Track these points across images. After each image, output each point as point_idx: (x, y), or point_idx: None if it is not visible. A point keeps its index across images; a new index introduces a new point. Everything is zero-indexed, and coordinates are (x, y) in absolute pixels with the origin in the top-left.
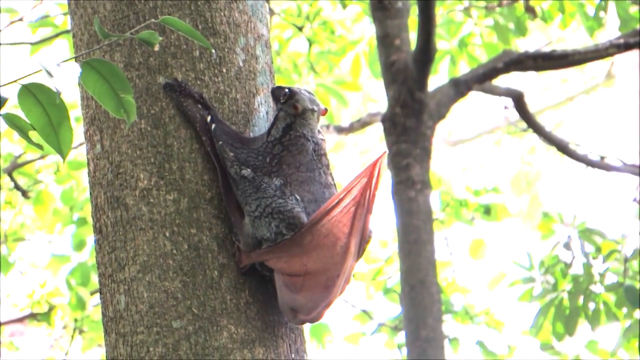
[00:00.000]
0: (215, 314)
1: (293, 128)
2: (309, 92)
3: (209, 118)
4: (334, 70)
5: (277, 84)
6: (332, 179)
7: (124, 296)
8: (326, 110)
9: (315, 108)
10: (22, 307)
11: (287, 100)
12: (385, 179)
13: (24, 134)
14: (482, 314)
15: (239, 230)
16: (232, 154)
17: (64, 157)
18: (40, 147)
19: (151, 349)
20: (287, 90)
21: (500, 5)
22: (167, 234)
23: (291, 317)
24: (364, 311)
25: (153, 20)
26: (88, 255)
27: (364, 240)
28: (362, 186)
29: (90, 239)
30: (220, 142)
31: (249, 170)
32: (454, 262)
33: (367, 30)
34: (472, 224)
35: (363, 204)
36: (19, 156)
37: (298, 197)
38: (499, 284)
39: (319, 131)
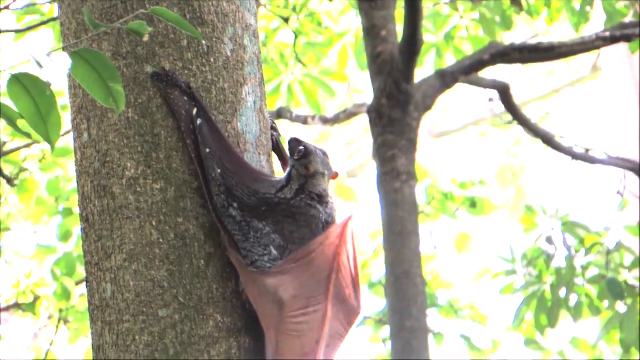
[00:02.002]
0: (202, 303)
1: (305, 190)
2: (324, 154)
3: (194, 111)
4: (321, 61)
5: (297, 138)
6: None
7: (110, 285)
8: (337, 174)
9: (327, 172)
10: (8, 297)
11: (300, 158)
12: (371, 170)
13: (12, 122)
14: (466, 308)
15: (230, 247)
16: (219, 171)
17: (52, 145)
18: (28, 135)
19: (137, 337)
20: (303, 148)
21: None
22: (154, 223)
23: None
24: None
25: (142, 10)
26: (74, 245)
27: (352, 312)
28: (334, 249)
29: (76, 229)
30: (208, 150)
31: (236, 209)
32: (438, 255)
33: (353, 22)
34: (456, 218)
35: (338, 270)
36: (4, 144)
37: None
38: (483, 278)
39: (330, 197)
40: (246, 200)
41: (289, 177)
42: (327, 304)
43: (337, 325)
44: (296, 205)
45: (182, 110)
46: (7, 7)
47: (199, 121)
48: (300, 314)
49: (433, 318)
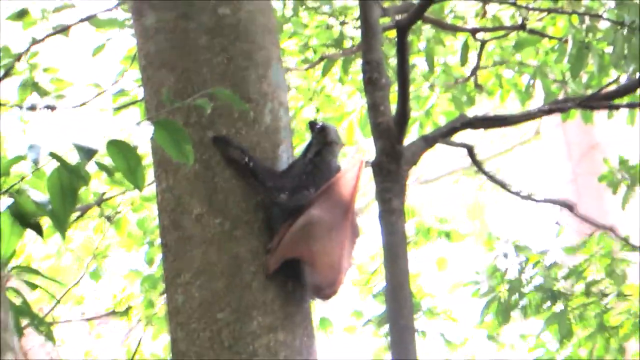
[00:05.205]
0: (248, 308)
1: (322, 154)
2: (336, 130)
3: (246, 159)
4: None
5: (311, 120)
6: None
7: (181, 295)
8: (344, 144)
9: (338, 142)
10: (107, 306)
11: (320, 132)
12: (373, 209)
13: (110, 174)
14: (443, 313)
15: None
16: (270, 184)
17: (140, 190)
18: (122, 184)
19: (201, 334)
20: (320, 125)
21: (456, 83)
22: (214, 248)
23: (317, 294)
24: (358, 310)
25: (205, 91)
26: (156, 268)
27: (356, 235)
28: (352, 183)
29: (158, 257)
30: (260, 176)
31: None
32: (423, 273)
33: (358, 102)
34: (435, 243)
35: (354, 202)
36: (104, 193)
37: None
38: (457, 289)
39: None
40: (292, 184)
41: (309, 146)
42: (347, 230)
43: (350, 245)
44: (317, 160)
45: (237, 159)
46: (104, 91)
47: (251, 164)
48: (328, 237)
49: (419, 320)
